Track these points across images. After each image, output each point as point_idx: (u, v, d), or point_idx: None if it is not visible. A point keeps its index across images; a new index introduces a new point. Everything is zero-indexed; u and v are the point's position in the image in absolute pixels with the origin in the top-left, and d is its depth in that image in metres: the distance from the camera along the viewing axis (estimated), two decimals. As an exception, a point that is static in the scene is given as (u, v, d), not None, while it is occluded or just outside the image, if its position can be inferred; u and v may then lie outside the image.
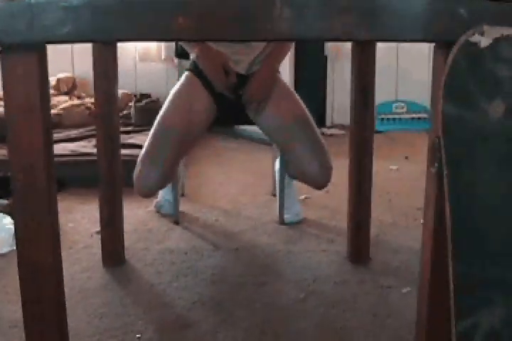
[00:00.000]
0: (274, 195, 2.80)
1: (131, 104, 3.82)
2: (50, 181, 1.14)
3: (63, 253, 1.26)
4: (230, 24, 1.03)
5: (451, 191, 0.99)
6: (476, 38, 1.01)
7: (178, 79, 2.28)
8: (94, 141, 3.00)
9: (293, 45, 2.35)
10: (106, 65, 1.97)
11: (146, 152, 2.05)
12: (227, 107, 2.15)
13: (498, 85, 1.00)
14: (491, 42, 1.01)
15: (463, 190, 1.00)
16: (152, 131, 2.10)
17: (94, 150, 2.55)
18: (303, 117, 2.15)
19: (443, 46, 1.12)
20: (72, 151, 3.10)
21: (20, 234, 1.16)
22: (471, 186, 1.00)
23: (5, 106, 1.09)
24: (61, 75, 4.09)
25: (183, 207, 2.66)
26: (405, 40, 1.15)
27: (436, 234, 1.17)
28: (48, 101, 1.15)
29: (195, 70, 2.20)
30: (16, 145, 1.10)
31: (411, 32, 1.08)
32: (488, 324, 0.97)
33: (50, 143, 1.15)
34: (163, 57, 4.29)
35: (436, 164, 1.08)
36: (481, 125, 0.99)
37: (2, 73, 1.06)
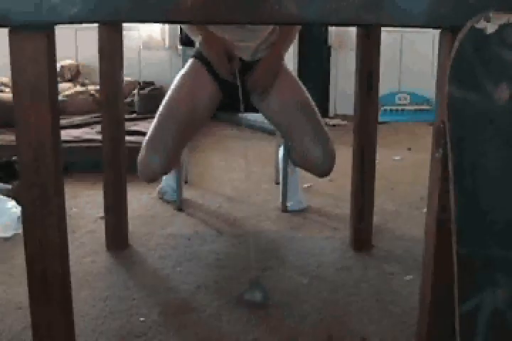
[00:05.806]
0: (278, 183, 2.81)
1: (135, 91, 3.82)
2: (57, 161, 1.15)
3: (67, 237, 1.27)
4: (236, 7, 1.03)
5: (455, 174, 1.00)
6: (482, 24, 1.01)
7: (183, 67, 2.28)
8: (97, 128, 3.01)
9: (298, 33, 2.33)
10: (112, 51, 1.98)
11: (151, 137, 2.06)
12: (232, 94, 2.15)
13: (504, 70, 1.00)
14: (496, 28, 1.01)
15: (467, 173, 1.00)
16: (157, 116, 2.11)
17: (98, 137, 2.56)
18: (307, 105, 2.15)
19: (449, 32, 1.12)
20: (75, 137, 3.11)
21: (27, 214, 1.17)
22: (475, 169, 1.00)
23: (13, 86, 1.10)
24: (65, 62, 4.09)
25: (187, 193, 2.68)
26: (411, 25, 1.15)
27: (439, 220, 1.18)
28: (56, 81, 1.16)
29: (200, 57, 2.20)
30: (23, 125, 1.11)
31: (417, 17, 1.09)
32: (492, 304, 0.98)
33: (57, 122, 1.16)
34: (167, 45, 4.28)
35: (440, 149, 1.09)
36: (486, 108, 1.00)
37: (11, 53, 1.07)
